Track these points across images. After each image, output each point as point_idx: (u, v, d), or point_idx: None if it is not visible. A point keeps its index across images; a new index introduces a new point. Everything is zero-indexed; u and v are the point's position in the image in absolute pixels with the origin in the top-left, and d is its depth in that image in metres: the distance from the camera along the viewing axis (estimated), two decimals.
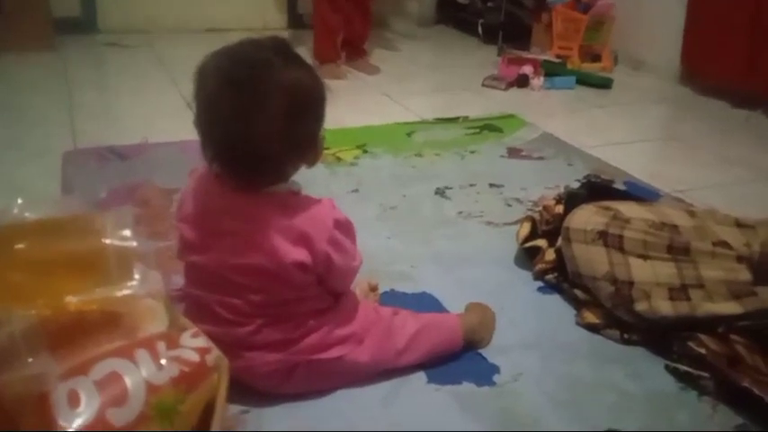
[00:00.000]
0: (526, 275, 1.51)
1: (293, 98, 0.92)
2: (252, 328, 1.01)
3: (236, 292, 0.99)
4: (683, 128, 2.75)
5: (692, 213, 1.36)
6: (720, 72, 2.95)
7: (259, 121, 0.90)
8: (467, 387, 1.16)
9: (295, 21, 3.94)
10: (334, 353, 1.07)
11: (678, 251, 1.26)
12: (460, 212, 1.82)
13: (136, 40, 3.44)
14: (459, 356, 1.22)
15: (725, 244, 1.25)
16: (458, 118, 2.58)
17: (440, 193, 1.93)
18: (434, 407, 1.11)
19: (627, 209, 1.36)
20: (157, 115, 2.40)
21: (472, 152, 2.26)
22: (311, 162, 1.02)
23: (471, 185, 1.99)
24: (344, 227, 1.03)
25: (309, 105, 0.96)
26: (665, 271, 1.26)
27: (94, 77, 3.06)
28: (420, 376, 1.17)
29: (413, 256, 1.56)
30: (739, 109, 2.87)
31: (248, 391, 1.04)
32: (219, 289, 1.00)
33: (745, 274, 1.21)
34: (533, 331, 1.32)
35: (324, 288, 1.06)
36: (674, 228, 1.30)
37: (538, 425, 1.08)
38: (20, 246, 0.65)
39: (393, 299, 1.36)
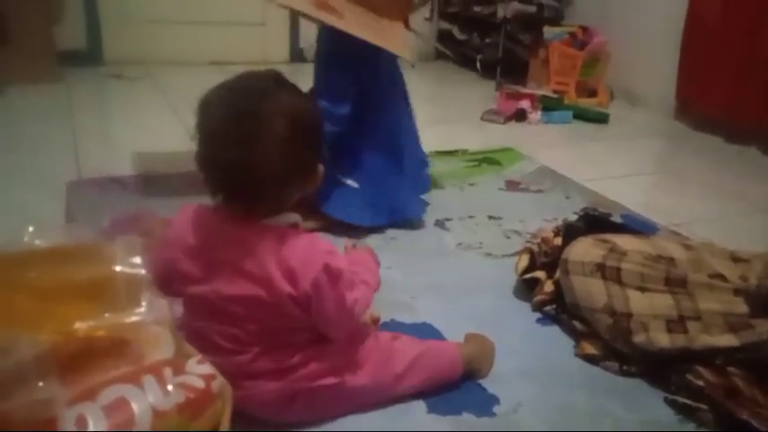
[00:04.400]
0: (525, 306, 1.52)
1: (293, 123, 0.96)
2: (250, 356, 1.02)
3: (233, 321, 1.00)
4: (677, 162, 2.79)
5: (688, 246, 1.38)
6: (714, 107, 3.01)
7: (261, 145, 0.93)
8: (467, 418, 1.16)
9: (296, 54, 4.02)
10: (333, 379, 1.07)
11: (675, 283, 1.27)
12: (460, 244, 1.83)
13: (139, 72, 3.49)
14: (458, 386, 1.22)
15: (721, 276, 1.27)
16: (457, 151, 2.61)
17: (439, 224, 1.95)
18: None
19: (624, 241, 1.38)
20: (160, 146, 2.43)
21: (471, 184, 2.29)
22: (310, 188, 1.04)
23: (470, 217, 2.01)
24: (334, 275, 1.00)
25: (308, 131, 1.00)
26: (662, 303, 1.27)
27: (98, 108, 3.10)
28: (420, 406, 1.17)
29: (413, 287, 1.58)
30: (732, 143, 2.92)
31: (249, 419, 1.04)
32: (218, 319, 1.01)
33: (741, 307, 1.22)
34: (532, 362, 1.33)
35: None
36: (671, 260, 1.31)
37: None
38: (31, 272, 0.66)
39: (393, 329, 1.37)
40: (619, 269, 1.31)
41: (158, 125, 2.71)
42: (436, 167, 2.42)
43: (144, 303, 0.69)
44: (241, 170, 0.94)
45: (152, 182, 2.09)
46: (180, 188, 1.94)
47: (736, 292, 1.24)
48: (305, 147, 0.98)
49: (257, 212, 1.00)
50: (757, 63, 2.78)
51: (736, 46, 2.85)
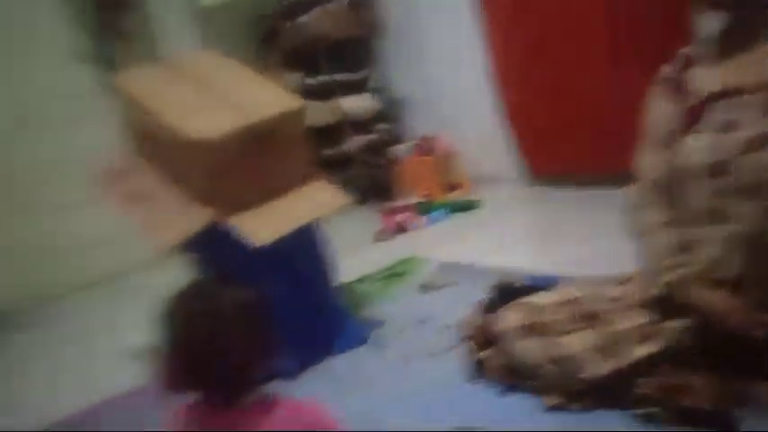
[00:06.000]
0: (485, 387, 1.68)
1: (244, 315, 1.11)
2: None
3: None
4: (548, 219, 3.17)
5: (584, 283, 1.64)
6: (557, 164, 3.48)
7: (222, 338, 1.07)
8: None
9: None
10: None
11: (591, 317, 1.51)
12: (402, 354, 1.98)
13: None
14: None
15: (618, 299, 1.52)
16: (362, 277, 2.78)
17: (375, 342, 2.11)
18: None
19: (537, 299, 1.61)
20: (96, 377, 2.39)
21: (389, 300, 2.47)
22: (271, 362, 1.18)
23: (401, 328, 2.17)
24: None
25: (257, 316, 1.14)
26: (588, 338, 1.49)
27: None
28: None
29: (377, 407, 1.69)
30: (579, 190, 3.36)
31: None
32: None
33: (644, 317, 1.47)
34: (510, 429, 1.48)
35: None
36: (576, 300, 1.56)
37: None
38: None
39: None
40: (543, 323, 1.53)
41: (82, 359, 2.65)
42: (353, 295, 2.58)
43: None
44: (204, 364, 1.07)
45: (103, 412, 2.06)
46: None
47: (637, 306, 1.49)
48: (251, 330, 1.13)
49: (232, 396, 1.11)
50: (578, 120, 3.24)
51: (552, 113, 3.35)
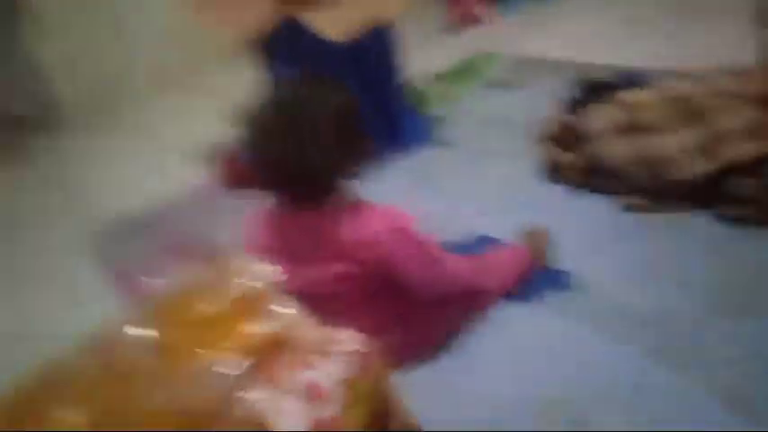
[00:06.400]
0: (561, 189, 1.62)
1: (329, 114, 1.04)
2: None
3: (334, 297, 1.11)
4: (642, 8, 2.82)
5: (697, 79, 1.47)
6: None
7: (306, 138, 1.02)
8: (552, 297, 1.29)
9: None
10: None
11: (694, 115, 1.37)
12: (477, 151, 1.92)
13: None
14: (536, 274, 1.34)
15: (733, 94, 1.36)
16: (435, 74, 2.63)
17: (448, 141, 2.04)
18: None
19: (634, 95, 1.46)
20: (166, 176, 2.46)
21: (460, 97, 2.34)
22: (362, 163, 1.13)
23: (477, 125, 2.08)
24: (404, 235, 1.10)
25: (343, 115, 1.07)
26: (688, 137, 1.37)
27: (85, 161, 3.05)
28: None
29: (456, 203, 1.67)
30: None
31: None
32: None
33: (758, 113, 1.32)
34: (587, 232, 1.44)
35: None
36: (681, 96, 1.41)
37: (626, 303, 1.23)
38: (186, 307, 0.76)
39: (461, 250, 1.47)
40: (639, 122, 1.41)
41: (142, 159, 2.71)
42: (421, 93, 2.46)
43: (276, 307, 0.78)
44: (295, 163, 1.03)
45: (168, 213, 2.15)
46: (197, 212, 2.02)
47: (752, 102, 1.33)
48: (343, 130, 1.06)
49: (320, 197, 1.08)
50: None
51: None
